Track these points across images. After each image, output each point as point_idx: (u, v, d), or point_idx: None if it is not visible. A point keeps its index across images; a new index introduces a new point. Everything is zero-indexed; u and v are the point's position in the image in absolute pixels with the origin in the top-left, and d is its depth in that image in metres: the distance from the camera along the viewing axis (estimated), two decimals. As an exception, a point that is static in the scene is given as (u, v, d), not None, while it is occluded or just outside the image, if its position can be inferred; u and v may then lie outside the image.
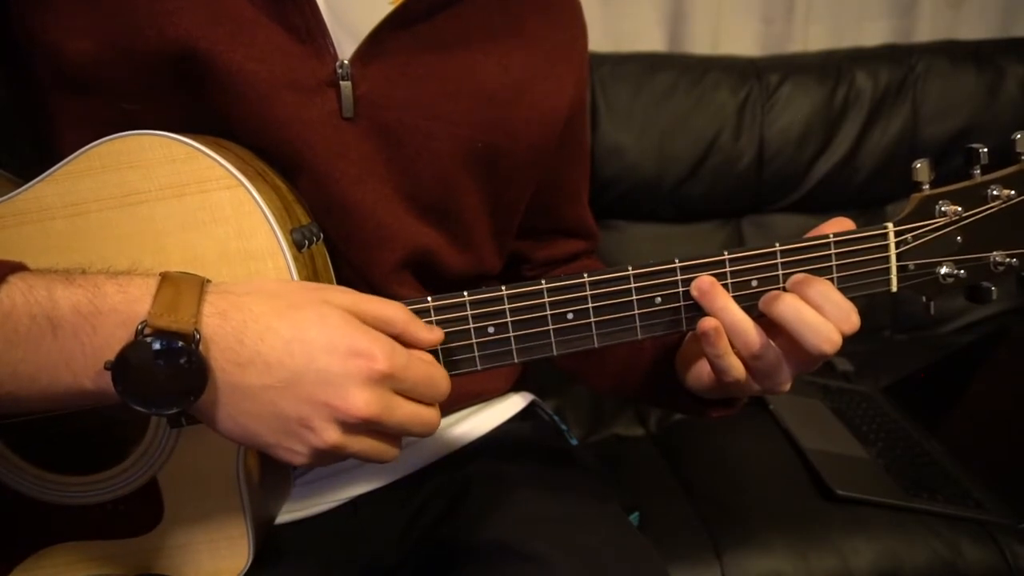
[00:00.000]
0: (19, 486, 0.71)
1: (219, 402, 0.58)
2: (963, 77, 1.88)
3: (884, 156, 1.88)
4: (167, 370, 0.55)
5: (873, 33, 2.04)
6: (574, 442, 1.01)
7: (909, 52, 1.91)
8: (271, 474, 0.76)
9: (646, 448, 1.50)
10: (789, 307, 0.68)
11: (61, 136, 0.76)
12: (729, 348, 0.69)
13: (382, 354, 0.58)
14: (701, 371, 0.76)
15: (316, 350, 0.57)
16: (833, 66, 1.88)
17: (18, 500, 0.71)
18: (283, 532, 0.83)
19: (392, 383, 0.59)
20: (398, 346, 0.60)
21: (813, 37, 2.03)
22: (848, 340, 0.69)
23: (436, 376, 0.62)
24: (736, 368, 0.70)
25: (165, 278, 0.58)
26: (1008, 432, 1.42)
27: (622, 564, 0.79)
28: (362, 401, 0.57)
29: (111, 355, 0.55)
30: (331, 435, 0.58)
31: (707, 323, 0.69)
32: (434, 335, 0.65)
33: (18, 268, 0.58)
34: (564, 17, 0.90)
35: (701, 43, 1.98)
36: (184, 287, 0.57)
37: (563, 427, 1.03)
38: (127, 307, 0.56)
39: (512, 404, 0.99)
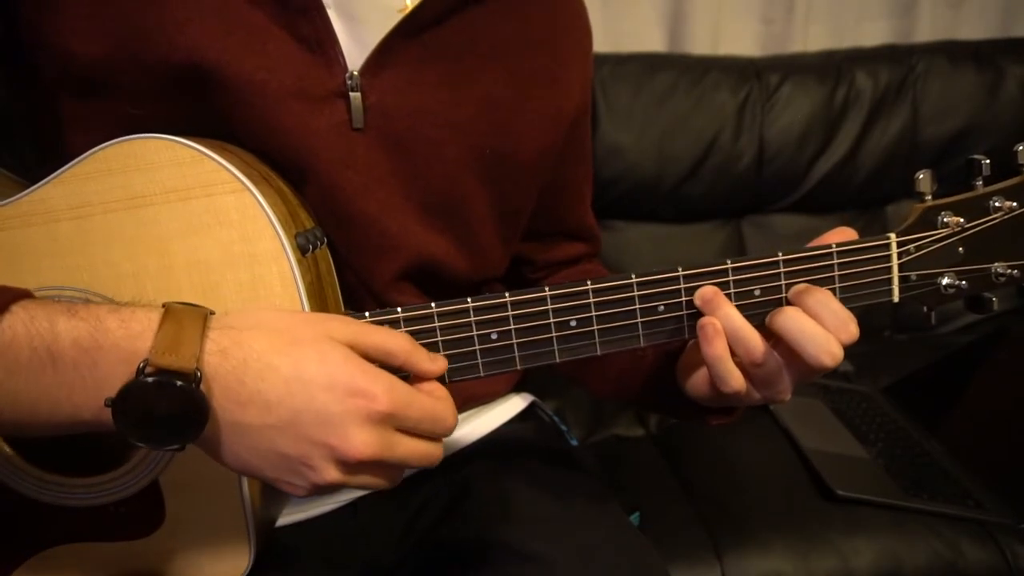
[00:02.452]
0: (21, 487, 0.71)
1: (220, 439, 0.57)
2: (963, 77, 1.88)
3: (884, 156, 1.88)
4: (167, 408, 0.54)
5: (873, 33, 2.04)
6: (574, 443, 1.01)
7: (909, 52, 1.91)
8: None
9: (646, 448, 1.50)
10: (789, 318, 0.68)
11: (66, 137, 0.76)
12: (727, 351, 0.69)
13: (382, 393, 0.57)
14: (701, 379, 0.76)
15: (316, 389, 0.56)
16: (833, 66, 1.87)
17: (20, 501, 0.71)
18: (283, 534, 0.83)
19: (393, 421, 0.58)
20: (399, 383, 0.59)
21: (813, 37, 2.03)
22: (848, 342, 0.69)
23: (439, 412, 0.61)
24: (735, 376, 0.69)
25: (168, 313, 0.57)
26: (1008, 432, 1.42)
27: (622, 564, 0.79)
28: (360, 442, 0.56)
29: (111, 391, 0.55)
30: (331, 473, 0.57)
31: (705, 319, 0.69)
32: (437, 365, 0.64)
33: (21, 296, 0.57)
34: (569, 20, 0.90)
35: (701, 43, 1.98)
36: (187, 322, 0.56)
37: (563, 428, 1.03)
38: (128, 343, 0.55)
39: (513, 405, 0.99)
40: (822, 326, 0.67)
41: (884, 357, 1.76)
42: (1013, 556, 1.21)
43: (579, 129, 0.93)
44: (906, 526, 1.23)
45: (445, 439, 0.89)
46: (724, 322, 0.69)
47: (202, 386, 0.55)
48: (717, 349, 0.69)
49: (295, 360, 0.57)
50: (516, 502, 0.84)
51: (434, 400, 0.61)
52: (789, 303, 0.71)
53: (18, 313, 0.56)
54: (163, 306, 0.57)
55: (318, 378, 0.56)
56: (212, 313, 0.58)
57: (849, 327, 0.67)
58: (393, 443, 0.58)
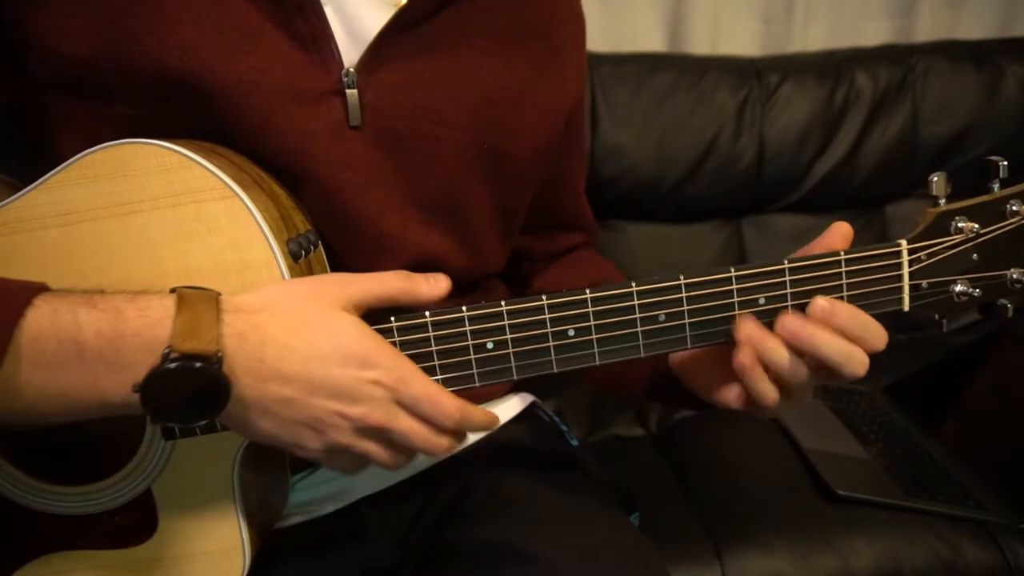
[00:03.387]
0: (13, 495, 0.71)
1: (241, 413, 0.62)
2: (963, 77, 1.88)
3: (884, 156, 1.87)
4: (193, 390, 0.59)
5: (873, 33, 2.03)
6: (574, 443, 1.01)
7: (909, 52, 1.90)
8: (267, 484, 0.76)
9: (646, 448, 1.50)
10: (839, 351, 0.68)
11: (59, 138, 0.75)
12: (764, 375, 0.70)
13: (389, 368, 0.64)
14: (732, 394, 0.75)
15: (331, 366, 0.63)
16: (833, 66, 1.87)
17: (12, 509, 0.71)
18: (283, 536, 0.83)
19: (395, 395, 0.64)
20: (405, 361, 0.65)
21: (813, 37, 2.02)
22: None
23: (436, 395, 0.65)
24: (770, 393, 0.70)
25: (181, 300, 0.60)
26: (1008, 432, 1.41)
27: (622, 564, 0.79)
28: (368, 407, 0.63)
29: (136, 376, 0.58)
30: (342, 435, 0.64)
31: (743, 356, 0.69)
32: (436, 288, 0.69)
33: (40, 289, 0.60)
34: (564, 12, 0.90)
35: (701, 43, 1.97)
36: (201, 308, 0.60)
37: (563, 428, 1.02)
38: (149, 331, 0.59)
39: (512, 405, 0.99)
40: (859, 345, 0.69)
41: (884, 357, 1.74)
42: (1013, 556, 1.21)
43: (575, 122, 0.93)
44: (906, 526, 1.22)
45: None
46: (765, 356, 0.69)
47: (224, 367, 0.59)
48: (754, 376, 0.70)
49: (309, 341, 0.63)
50: (516, 502, 0.84)
51: (430, 383, 0.66)
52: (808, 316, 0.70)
53: (41, 307, 0.59)
54: (173, 291, 0.61)
55: (333, 356, 0.63)
56: (219, 295, 0.62)
57: (884, 338, 0.70)
58: (396, 415, 0.65)
